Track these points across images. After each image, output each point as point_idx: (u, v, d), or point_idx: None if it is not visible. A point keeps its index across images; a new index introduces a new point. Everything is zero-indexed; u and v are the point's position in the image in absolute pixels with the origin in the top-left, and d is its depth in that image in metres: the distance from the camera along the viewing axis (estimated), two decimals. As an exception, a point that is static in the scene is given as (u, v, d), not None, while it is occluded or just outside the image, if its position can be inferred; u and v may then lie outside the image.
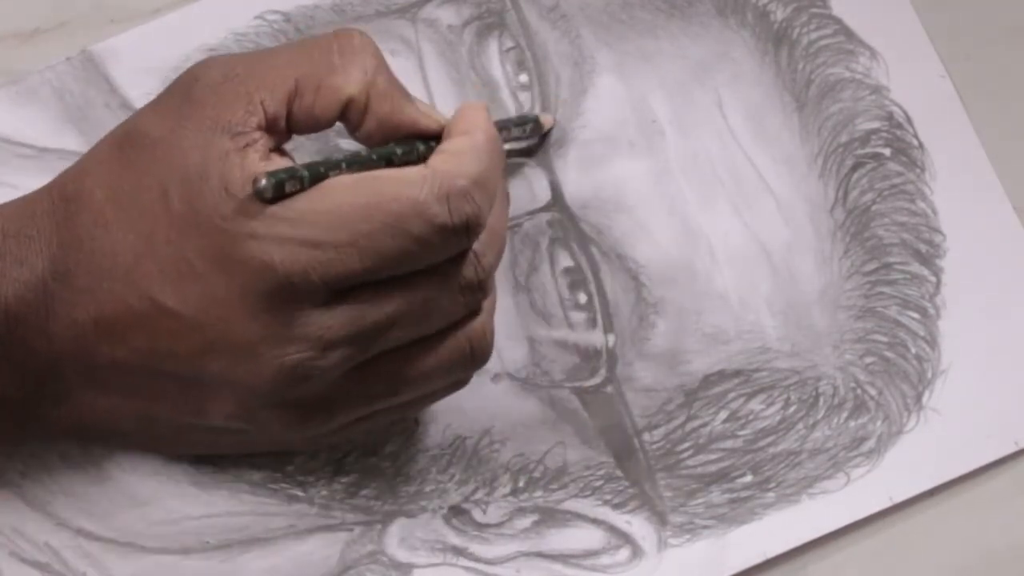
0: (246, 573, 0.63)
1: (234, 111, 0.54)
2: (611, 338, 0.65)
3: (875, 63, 0.69)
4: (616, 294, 0.66)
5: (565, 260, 0.66)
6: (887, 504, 0.65)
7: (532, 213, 0.66)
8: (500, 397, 0.65)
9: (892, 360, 0.67)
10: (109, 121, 0.66)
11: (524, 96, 0.67)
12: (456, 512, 0.64)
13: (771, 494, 0.65)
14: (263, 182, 0.51)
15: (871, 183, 0.68)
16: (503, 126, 0.62)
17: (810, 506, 0.65)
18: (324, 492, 0.64)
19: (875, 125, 0.69)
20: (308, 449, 0.62)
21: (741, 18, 0.69)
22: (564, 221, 0.66)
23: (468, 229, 0.54)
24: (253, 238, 0.52)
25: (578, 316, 0.65)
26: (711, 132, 0.68)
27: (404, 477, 0.64)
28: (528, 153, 0.67)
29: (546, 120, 0.66)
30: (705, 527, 0.65)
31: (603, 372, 0.65)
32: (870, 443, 0.66)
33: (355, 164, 0.54)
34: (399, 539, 0.64)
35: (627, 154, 0.67)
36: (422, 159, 0.56)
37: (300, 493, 0.64)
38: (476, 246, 0.56)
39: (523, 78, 0.68)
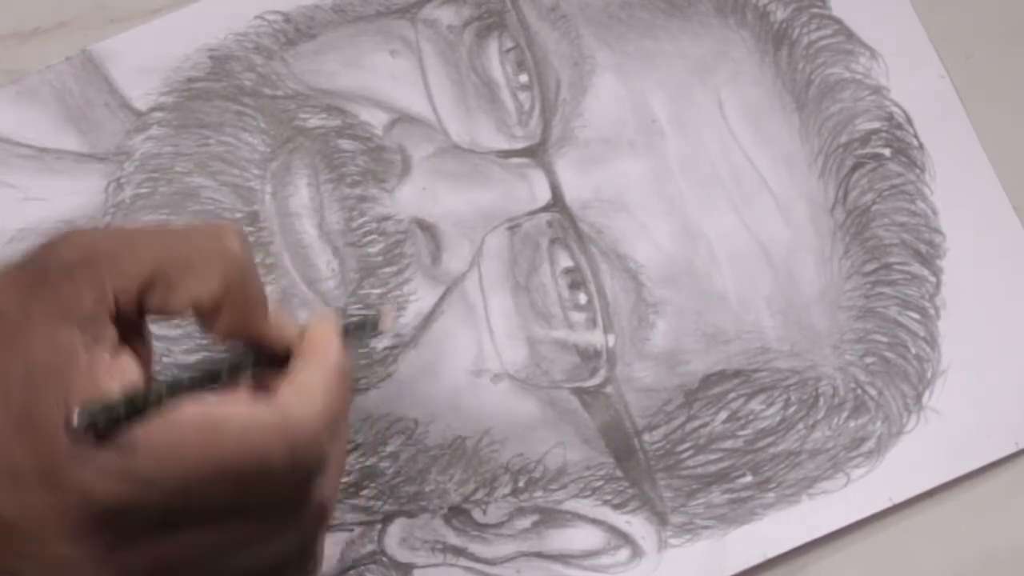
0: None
1: (84, 299, 0.50)
2: (611, 338, 0.65)
3: (875, 63, 0.69)
4: (616, 294, 0.66)
5: (565, 260, 0.66)
6: (887, 504, 0.65)
7: (532, 213, 0.66)
8: (500, 397, 0.65)
9: (892, 360, 0.67)
10: (109, 121, 0.66)
11: (524, 96, 0.67)
12: (456, 512, 0.64)
13: (771, 494, 0.65)
14: (75, 421, 0.48)
15: (871, 183, 0.68)
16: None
17: (810, 506, 0.65)
18: (324, 492, 0.63)
19: (875, 125, 0.69)
20: None
21: (741, 18, 0.69)
22: (564, 221, 0.66)
23: (309, 477, 0.51)
24: (79, 462, 0.48)
25: (578, 316, 0.65)
26: (711, 132, 0.68)
27: (404, 477, 0.64)
28: (528, 153, 0.67)
29: (385, 322, 0.59)
30: (705, 527, 0.65)
31: (603, 372, 0.65)
32: (870, 443, 0.66)
33: (178, 387, 0.50)
34: (399, 539, 0.64)
35: (627, 154, 0.67)
36: (254, 367, 0.53)
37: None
38: (322, 490, 0.52)
39: (523, 78, 0.68)
